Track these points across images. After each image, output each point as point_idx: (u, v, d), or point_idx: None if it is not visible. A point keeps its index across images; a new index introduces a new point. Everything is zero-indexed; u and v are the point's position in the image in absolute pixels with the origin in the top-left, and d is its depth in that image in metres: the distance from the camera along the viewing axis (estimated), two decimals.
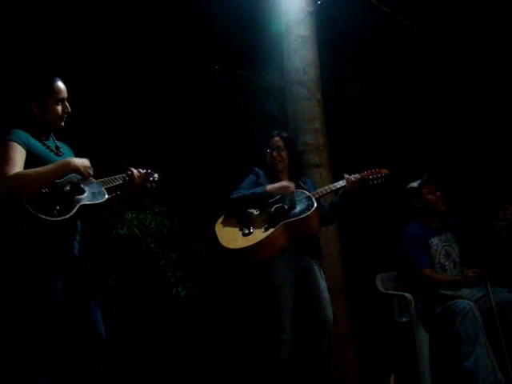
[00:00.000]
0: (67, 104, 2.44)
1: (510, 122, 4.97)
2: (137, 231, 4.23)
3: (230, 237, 2.97)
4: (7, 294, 2.25)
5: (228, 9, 5.02)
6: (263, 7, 4.67)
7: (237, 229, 3.00)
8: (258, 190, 3.08)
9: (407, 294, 3.51)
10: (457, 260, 3.53)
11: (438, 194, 3.57)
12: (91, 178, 2.38)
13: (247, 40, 5.24)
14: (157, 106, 5.03)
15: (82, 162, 2.34)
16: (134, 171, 2.54)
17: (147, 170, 2.66)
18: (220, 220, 3.10)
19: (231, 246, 2.94)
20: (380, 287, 3.71)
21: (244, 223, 3.02)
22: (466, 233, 3.57)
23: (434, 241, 3.52)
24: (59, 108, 2.41)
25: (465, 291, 3.38)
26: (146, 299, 4.29)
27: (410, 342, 3.44)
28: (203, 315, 4.37)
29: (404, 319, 3.59)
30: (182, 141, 4.98)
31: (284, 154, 3.24)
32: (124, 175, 2.53)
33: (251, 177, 3.25)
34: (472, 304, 3.18)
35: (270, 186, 3.07)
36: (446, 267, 3.49)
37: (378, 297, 3.75)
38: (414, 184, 3.68)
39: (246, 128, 5.27)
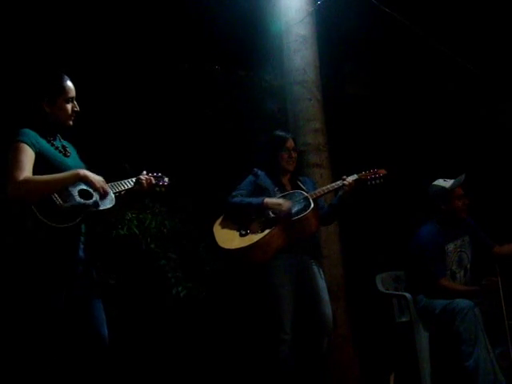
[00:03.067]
0: (76, 103, 2.47)
1: (506, 122, 4.96)
2: (137, 231, 4.23)
3: (227, 237, 2.99)
4: (12, 297, 2.26)
5: (228, 9, 5.02)
6: (263, 7, 4.66)
7: (234, 229, 3.02)
8: (255, 201, 3.07)
9: (407, 294, 3.51)
10: (468, 267, 3.51)
11: (467, 201, 3.44)
12: None
13: (247, 40, 5.23)
14: (157, 106, 5.03)
15: (94, 177, 2.34)
16: (143, 177, 2.54)
17: (157, 174, 2.67)
18: (218, 221, 3.11)
19: (228, 246, 2.95)
20: (380, 287, 3.71)
21: (241, 224, 3.03)
22: (479, 240, 3.53)
23: (450, 247, 3.45)
24: (69, 107, 2.44)
25: None
26: (146, 299, 4.29)
27: (410, 341, 3.44)
28: (203, 315, 4.36)
29: (404, 319, 3.59)
30: (182, 141, 4.98)
31: (296, 155, 3.28)
32: (134, 180, 2.53)
33: (250, 177, 3.25)
34: (472, 304, 3.18)
35: (267, 200, 3.05)
36: (457, 275, 3.46)
37: (378, 297, 3.75)
38: (445, 184, 3.50)
39: (246, 128, 5.27)
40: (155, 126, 4.92)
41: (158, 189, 2.65)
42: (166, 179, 2.69)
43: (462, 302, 3.19)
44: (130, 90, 4.86)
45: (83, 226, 2.42)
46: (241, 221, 3.04)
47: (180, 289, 4.23)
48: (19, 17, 4.47)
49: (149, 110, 4.97)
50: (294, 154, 3.25)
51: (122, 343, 3.93)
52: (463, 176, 3.47)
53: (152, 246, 4.31)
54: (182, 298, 4.23)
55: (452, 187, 3.46)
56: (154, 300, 4.30)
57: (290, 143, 3.26)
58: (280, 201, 3.04)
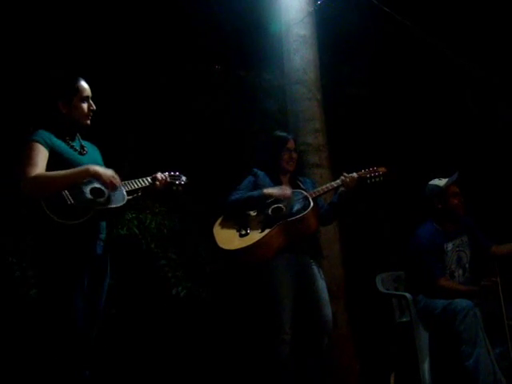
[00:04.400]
0: (92, 102, 2.51)
1: (503, 122, 4.98)
2: (137, 231, 4.23)
3: (227, 238, 2.97)
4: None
5: (228, 9, 5.02)
6: (263, 7, 4.67)
7: (234, 230, 3.01)
8: (255, 193, 3.07)
9: (407, 294, 3.51)
10: (466, 266, 3.49)
11: (462, 199, 3.44)
12: None
13: (247, 40, 5.24)
14: (157, 106, 5.03)
15: (104, 172, 2.35)
16: (158, 176, 2.55)
17: (175, 173, 2.68)
18: (218, 221, 3.10)
19: (228, 246, 2.94)
20: (380, 287, 3.71)
21: (241, 224, 3.02)
22: (477, 239, 3.53)
23: (449, 246, 3.44)
24: (85, 106, 2.48)
25: None
26: (146, 299, 4.29)
27: (410, 342, 3.44)
28: (203, 315, 4.37)
29: (404, 319, 3.59)
30: (182, 141, 4.98)
31: (296, 155, 3.28)
32: (148, 179, 2.54)
33: (249, 178, 3.24)
34: (472, 304, 3.18)
35: (266, 190, 3.06)
36: (455, 274, 3.45)
37: (378, 297, 3.74)
38: (440, 183, 3.51)
39: (246, 128, 5.27)
40: (155, 127, 4.93)
41: (174, 188, 2.64)
42: (184, 178, 2.69)
43: (463, 302, 3.19)
44: (131, 91, 4.86)
45: (103, 224, 2.43)
46: (240, 221, 3.04)
47: (180, 289, 4.24)
48: (30, 23, 4.51)
49: (149, 110, 4.97)
50: (294, 155, 3.25)
51: (122, 343, 3.94)
52: (456, 174, 3.48)
53: (152, 245, 4.31)
54: (182, 298, 4.23)
55: (446, 185, 3.46)
56: (154, 300, 4.31)
57: (291, 144, 3.25)
58: (280, 188, 3.05)
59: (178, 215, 4.61)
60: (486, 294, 3.23)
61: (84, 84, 2.50)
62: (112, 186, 2.34)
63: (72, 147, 2.45)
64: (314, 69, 4.24)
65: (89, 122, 2.51)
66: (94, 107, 2.51)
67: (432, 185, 3.53)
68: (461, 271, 3.47)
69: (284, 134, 3.32)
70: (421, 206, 3.65)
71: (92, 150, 2.58)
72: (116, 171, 2.46)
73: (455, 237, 3.49)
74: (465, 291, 3.32)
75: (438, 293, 3.32)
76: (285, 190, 3.04)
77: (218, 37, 5.22)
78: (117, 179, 2.37)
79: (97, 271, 2.40)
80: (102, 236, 2.43)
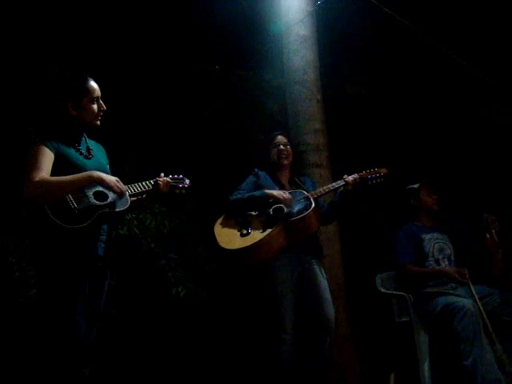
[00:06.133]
0: (102, 102, 2.48)
1: (497, 117, 5.02)
2: (137, 231, 4.24)
3: (228, 237, 2.97)
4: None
5: (228, 9, 5.02)
6: (263, 7, 4.67)
7: (235, 230, 3.00)
8: (257, 193, 3.08)
9: (407, 294, 3.52)
10: (452, 258, 3.56)
11: (434, 197, 3.68)
12: None
13: (247, 40, 5.24)
14: (157, 106, 5.04)
15: (108, 178, 2.35)
16: (161, 179, 2.54)
17: (178, 176, 2.66)
18: (219, 221, 3.10)
19: (229, 246, 2.94)
20: (380, 287, 3.71)
21: (242, 224, 3.02)
22: (458, 234, 3.64)
23: (427, 236, 3.58)
24: (95, 107, 2.44)
25: (462, 291, 3.38)
26: (146, 299, 4.29)
27: (410, 341, 3.44)
28: (203, 315, 4.37)
29: (404, 319, 3.59)
30: (182, 141, 4.98)
31: (289, 149, 3.29)
32: (151, 182, 2.53)
33: (251, 178, 3.25)
34: (471, 303, 3.19)
35: (268, 191, 3.06)
36: (441, 262, 3.52)
37: (378, 297, 3.75)
38: (415, 185, 3.78)
39: (246, 128, 5.27)
40: (155, 127, 4.93)
41: (177, 191, 2.63)
42: (187, 181, 2.67)
43: (461, 302, 3.20)
44: (131, 91, 4.86)
45: (105, 226, 2.43)
46: (242, 221, 3.04)
47: (180, 289, 4.24)
48: (39, 24, 4.52)
49: (149, 110, 4.98)
50: (283, 148, 3.26)
51: (122, 342, 3.94)
52: (428, 179, 3.76)
53: (152, 245, 4.31)
54: (181, 298, 4.23)
55: (419, 186, 3.73)
56: (154, 300, 4.31)
57: (278, 139, 3.29)
58: (280, 193, 3.06)
59: (178, 215, 4.61)
60: (453, 278, 3.37)
61: (94, 84, 2.46)
62: (120, 192, 2.34)
63: (78, 151, 2.43)
64: (313, 69, 4.24)
65: (99, 122, 2.48)
66: (105, 108, 2.47)
67: (409, 187, 3.83)
68: (446, 261, 3.55)
69: (275, 132, 3.35)
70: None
71: (98, 151, 2.56)
72: (117, 173, 2.46)
73: (434, 231, 3.63)
74: (430, 272, 3.46)
75: (410, 280, 3.46)
76: (285, 195, 3.04)
77: (218, 37, 5.23)
78: (121, 185, 2.37)
79: (98, 272, 2.39)
80: (103, 237, 2.43)
